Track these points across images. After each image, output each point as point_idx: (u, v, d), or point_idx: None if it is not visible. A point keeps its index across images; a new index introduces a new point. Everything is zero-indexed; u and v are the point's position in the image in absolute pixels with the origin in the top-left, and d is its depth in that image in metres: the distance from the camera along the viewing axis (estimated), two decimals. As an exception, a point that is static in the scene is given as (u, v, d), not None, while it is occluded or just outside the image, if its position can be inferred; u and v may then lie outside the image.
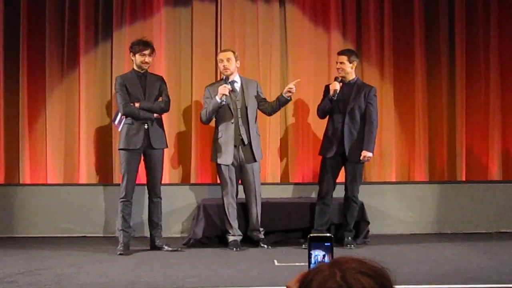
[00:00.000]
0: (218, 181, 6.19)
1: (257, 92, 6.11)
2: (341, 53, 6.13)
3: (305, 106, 6.98)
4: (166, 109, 6.04)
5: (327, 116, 6.15)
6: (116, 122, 6.02)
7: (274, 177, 6.84)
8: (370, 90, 6.04)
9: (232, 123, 5.91)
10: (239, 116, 5.94)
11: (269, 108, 6.07)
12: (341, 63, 6.03)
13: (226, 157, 5.90)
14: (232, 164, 5.92)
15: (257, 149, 6.00)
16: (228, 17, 6.92)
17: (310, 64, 6.99)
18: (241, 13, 6.95)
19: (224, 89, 5.81)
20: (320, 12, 7.04)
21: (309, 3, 7.03)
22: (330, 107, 6.03)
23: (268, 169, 6.63)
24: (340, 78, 6.03)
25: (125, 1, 6.88)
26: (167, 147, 6.11)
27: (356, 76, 6.13)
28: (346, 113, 5.97)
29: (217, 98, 5.82)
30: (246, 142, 5.93)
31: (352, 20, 7.01)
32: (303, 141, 6.98)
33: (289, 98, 5.97)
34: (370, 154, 5.97)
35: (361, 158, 5.96)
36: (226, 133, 5.91)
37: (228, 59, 5.97)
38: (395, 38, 7.03)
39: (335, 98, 5.94)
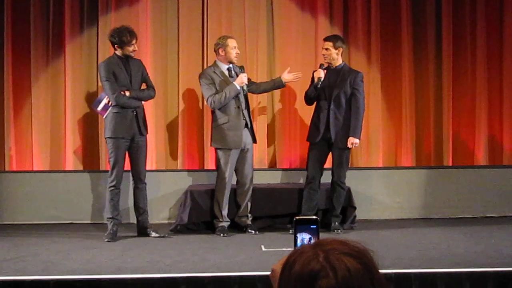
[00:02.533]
0: (214, 167, 6.19)
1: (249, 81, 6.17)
2: (326, 39, 6.11)
3: (292, 92, 6.95)
4: (153, 96, 6.08)
5: (314, 103, 6.16)
6: (99, 108, 5.95)
7: (262, 163, 6.85)
8: (356, 75, 6.02)
9: (238, 107, 5.96)
10: (241, 100, 6.00)
11: (258, 89, 6.22)
12: (326, 49, 6.02)
13: (236, 141, 5.94)
14: (238, 148, 5.96)
15: (253, 133, 6.11)
16: (214, 2, 6.88)
17: (297, 50, 6.97)
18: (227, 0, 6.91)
19: (245, 77, 5.93)
20: None
21: None
22: (315, 94, 6.05)
23: (256, 155, 6.58)
24: (325, 65, 6.03)
25: None
26: (148, 133, 6.09)
27: (342, 61, 6.12)
28: (331, 99, 5.97)
29: (237, 86, 5.88)
30: (249, 125, 6.02)
31: (339, 5, 6.99)
32: (290, 127, 6.98)
33: (283, 82, 6.11)
34: (357, 141, 5.98)
35: (348, 144, 5.96)
36: (233, 118, 5.94)
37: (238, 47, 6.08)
38: (382, 24, 7.02)
39: (319, 86, 5.96)
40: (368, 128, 6.90)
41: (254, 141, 6.13)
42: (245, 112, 6.02)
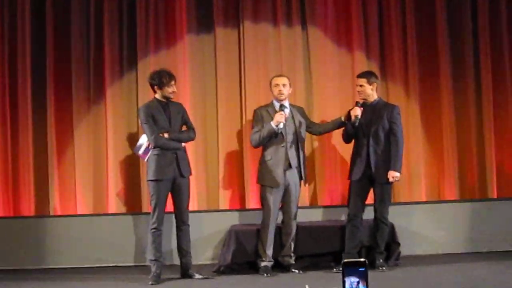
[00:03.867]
0: (259, 206, 6.18)
1: (305, 117, 6.21)
2: (360, 76, 6.10)
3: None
4: (194, 137, 6.11)
5: (352, 140, 6.14)
6: (141, 152, 6.02)
7: (303, 201, 6.76)
8: (393, 109, 6.01)
9: (283, 146, 5.95)
10: (289, 140, 5.99)
11: (319, 129, 6.24)
12: (360, 85, 6.01)
13: (275, 179, 5.93)
14: (279, 187, 5.95)
15: (303, 173, 6.05)
16: (251, 42, 6.98)
17: (334, 86, 6.99)
18: (263, 37, 7.02)
19: (281, 116, 5.89)
20: (343, 32, 7.07)
21: (331, 24, 7.07)
22: (353, 131, 6.04)
23: (299, 194, 6.44)
24: (360, 102, 6.01)
25: (148, 30, 6.95)
26: (191, 174, 6.13)
27: (378, 97, 6.10)
28: (370, 136, 5.93)
29: (273, 125, 5.89)
30: (293, 165, 5.98)
31: (375, 39, 7.03)
32: (330, 164, 6.96)
33: (343, 120, 6.04)
34: (397, 174, 5.90)
35: (389, 178, 5.90)
36: (276, 156, 5.95)
37: (284, 85, 6.06)
38: (419, 56, 7.01)
39: (356, 124, 5.94)
40: (409, 162, 6.84)
41: (301, 179, 6.06)
42: (291, 151, 5.97)
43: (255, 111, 6.15)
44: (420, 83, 7.01)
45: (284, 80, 6.09)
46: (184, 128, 6.09)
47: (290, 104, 6.13)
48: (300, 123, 6.09)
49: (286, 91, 6.08)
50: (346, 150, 6.52)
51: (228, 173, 6.91)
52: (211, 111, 6.98)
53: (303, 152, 6.10)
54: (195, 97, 6.96)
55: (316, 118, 6.71)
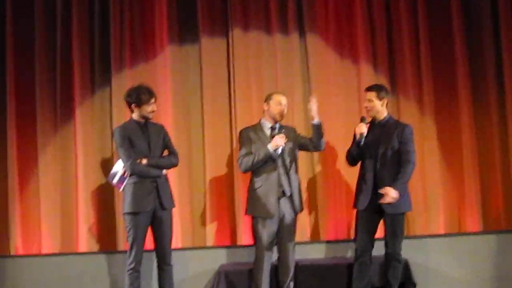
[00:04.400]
0: (252, 241, 6.18)
1: (298, 137, 6.25)
2: (368, 89, 6.12)
3: (334, 151, 6.97)
4: (176, 163, 6.15)
5: (359, 162, 6.17)
6: (115, 181, 6.05)
7: (303, 234, 6.81)
8: (404, 128, 6.01)
9: (275, 172, 6.01)
10: (281, 165, 6.05)
11: (310, 143, 6.16)
12: (369, 100, 6.05)
13: (268, 209, 5.97)
14: (273, 217, 5.98)
15: (297, 201, 6.09)
16: (241, 53, 7.06)
17: (338, 102, 7.04)
18: (256, 47, 7.10)
19: (281, 139, 5.96)
20: (347, 41, 7.16)
21: (333, 31, 7.16)
22: (358, 152, 6.06)
23: (296, 226, 6.41)
24: (367, 119, 6.06)
25: (124, 40, 7.02)
26: (175, 206, 6.19)
27: (388, 114, 6.15)
28: (377, 158, 5.94)
29: (270, 148, 5.96)
30: (287, 193, 6.04)
31: (383, 48, 7.11)
32: (335, 191, 6.98)
33: (315, 122, 6.05)
34: (395, 195, 5.75)
35: (385, 197, 5.76)
36: (267, 183, 6.00)
37: (286, 104, 6.18)
38: (434, 68, 7.07)
39: (362, 143, 5.97)
40: (424, 188, 6.91)
41: (294, 212, 6.08)
42: (285, 178, 6.03)
43: (241, 132, 6.20)
44: (436, 99, 7.04)
45: (285, 100, 6.19)
46: (165, 152, 6.15)
47: (281, 125, 6.20)
48: (293, 145, 6.15)
49: (285, 111, 6.22)
50: (353, 174, 6.47)
51: (216, 204, 6.93)
52: (196, 132, 7.01)
53: (297, 177, 6.15)
54: (178, 117, 7.00)
55: None
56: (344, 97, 7.08)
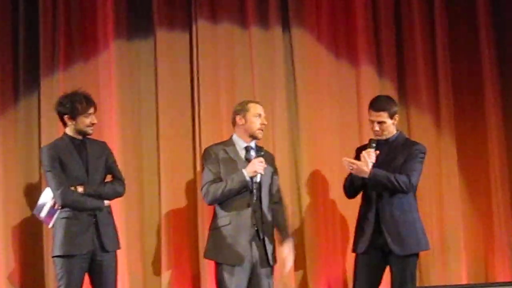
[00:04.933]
0: None
1: (272, 174, 6.05)
2: (376, 107, 5.93)
3: (326, 177, 6.97)
4: (122, 192, 6.02)
5: (360, 194, 6.05)
6: (43, 214, 5.87)
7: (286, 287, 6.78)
8: (413, 147, 5.95)
9: (249, 207, 5.84)
10: (255, 198, 5.89)
11: (276, 217, 6.00)
12: (380, 123, 5.90)
13: (238, 253, 5.78)
14: (243, 264, 5.80)
15: (272, 248, 5.92)
16: (208, 50, 7.04)
17: (331, 113, 7.07)
18: (226, 43, 7.09)
19: (260, 165, 5.78)
20: (343, 37, 7.21)
21: (325, 25, 7.20)
22: (362, 182, 5.93)
23: (276, 276, 6.26)
24: (375, 142, 5.92)
25: (56, 36, 6.93)
26: (120, 248, 6.02)
27: (398, 130, 6.05)
28: (381, 192, 5.85)
29: (245, 175, 5.77)
30: (261, 236, 5.87)
31: (390, 46, 7.19)
32: (327, 230, 6.97)
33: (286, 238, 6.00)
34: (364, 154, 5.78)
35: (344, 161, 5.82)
36: (238, 220, 5.82)
37: (265, 117, 6.04)
38: (455, 71, 7.17)
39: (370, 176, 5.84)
40: (442, 225, 6.96)
41: (271, 262, 5.91)
42: (258, 213, 5.85)
43: (207, 150, 6.02)
44: (457, 111, 7.13)
45: (263, 110, 6.00)
46: (108, 178, 6.02)
47: (256, 142, 6.04)
48: (268, 174, 5.99)
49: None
50: (351, 207, 6.39)
51: (174, 245, 6.84)
52: (149, 152, 6.94)
53: (272, 215, 6.01)
54: (126, 132, 6.93)
55: (304, 163, 6.82)
56: (339, 107, 7.13)
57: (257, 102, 6.07)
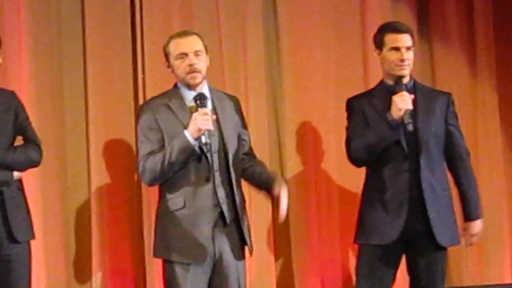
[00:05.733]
0: None
1: (241, 125, 6.03)
2: (403, 28, 5.97)
3: (319, 134, 7.06)
4: (37, 160, 5.89)
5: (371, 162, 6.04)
6: None
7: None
8: (449, 99, 6.02)
9: (207, 181, 5.74)
10: (216, 167, 5.80)
11: (252, 174, 6.00)
12: (408, 49, 5.90)
13: (195, 247, 5.72)
14: (204, 261, 5.75)
15: (248, 232, 5.91)
16: None
17: (325, 48, 7.16)
18: None
19: (206, 119, 5.61)
20: None
21: None
22: (391, 141, 5.89)
23: (252, 275, 6.54)
24: (404, 82, 5.93)
25: None
26: (34, 238, 5.94)
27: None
28: (420, 152, 5.84)
29: (189, 137, 5.64)
30: (228, 218, 5.77)
31: None
32: (320, 209, 7.05)
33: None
34: (480, 226, 5.91)
35: (467, 238, 5.92)
36: (195, 201, 5.72)
37: (198, 53, 5.80)
38: None
39: (411, 128, 5.78)
40: None
41: (240, 253, 5.84)
42: (221, 189, 5.80)
43: (142, 107, 5.97)
44: (500, 49, 7.43)
45: (195, 44, 5.84)
46: (19, 141, 5.90)
47: (214, 90, 5.98)
48: (232, 130, 5.95)
49: (203, 65, 5.85)
50: (353, 180, 6.49)
51: (110, 235, 6.80)
52: (75, 106, 6.88)
53: (241, 191, 5.96)
54: (42, 78, 6.83)
55: (288, 116, 6.93)
56: (336, 39, 7.22)
57: (182, 34, 5.92)
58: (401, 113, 5.75)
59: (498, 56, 7.35)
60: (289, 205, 6.62)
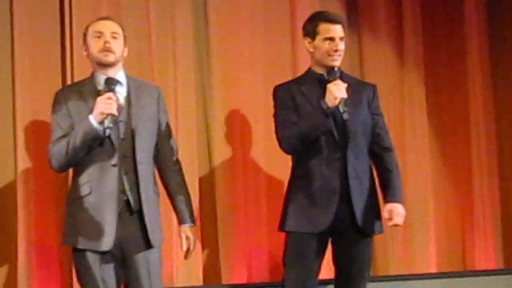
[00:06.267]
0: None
1: (159, 116, 5.98)
2: (337, 19, 6.01)
3: (248, 123, 7.07)
4: None
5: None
6: None
7: (192, 278, 6.80)
8: (374, 90, 6.14)
9: (114, 165, 5.70)
10: (123, 154, 5.75)
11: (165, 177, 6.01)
12: (341, 39, 5.94)
13: (100, 237, 5.65)
14: (110, 251, 5.68)
15: (153, 224, 5.81)
16: None
17: (254, 37, 7.16)
18: None
19: (109, 103, 5.56)
20: None
21: None
22: (325, 129, 5.93)
23: (179, 263, 6.51)
24: (338, 70, 5.97)
25: None
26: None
27: None
28: (348, 142, 5.88)
29: (93, 122, 5.59)
30: (134, 207, 5.74)
31: None
32: (248, 201, 7.03)
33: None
34: (402, 210, 5.91)
35: (391, 220, 5.86)
36: (100, 188, 5.68)
37: (114, 34, 5.79)
38: None
39: (347, 117, 5.82)
40: (404, 197, 6.80)
41: (147, 243, 5.78)
42: (127, 177, 5.75)
43: (56, 95, 5.89)
44: (427, 37, 7.48)
45: (112, 27, 5.83)
46: None
47: (133, 79, 5.95)
48: (147, 120, 5.90)
49: (119, 48, 5.84)
50: (282, 169, 6.47)
51: (37, 227, 6.67)
52: (1, 88, 6.75)
53: (152, 180, 5.92)
54: None
55: (217, 105, 6.90)
56: (265, 28, 7.22)
57: (102, 19, 5.94)
58: (337, 102, 5.79)
59: (425, 48, 7.40)
60: (216, 194, 7.09)
